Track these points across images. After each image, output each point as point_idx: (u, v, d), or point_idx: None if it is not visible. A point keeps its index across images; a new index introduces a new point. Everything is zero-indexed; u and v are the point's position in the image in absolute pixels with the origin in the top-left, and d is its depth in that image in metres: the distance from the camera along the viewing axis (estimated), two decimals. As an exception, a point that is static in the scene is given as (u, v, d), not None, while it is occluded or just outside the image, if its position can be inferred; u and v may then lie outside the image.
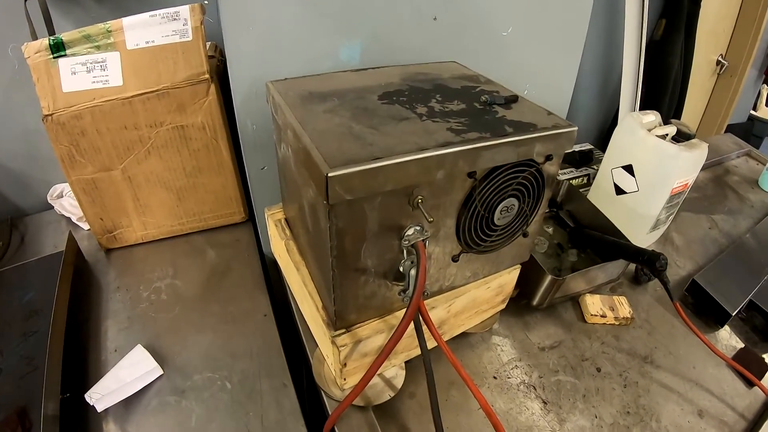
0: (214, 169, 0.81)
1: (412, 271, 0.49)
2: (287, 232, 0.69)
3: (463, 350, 0.72)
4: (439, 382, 0.64)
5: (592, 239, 0.84)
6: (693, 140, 0.83)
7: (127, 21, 0.67)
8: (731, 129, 1.68)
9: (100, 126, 0.71)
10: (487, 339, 0.75)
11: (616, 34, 1.25)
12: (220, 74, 0.78)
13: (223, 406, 0.62)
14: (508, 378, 0.69)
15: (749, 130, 2.03)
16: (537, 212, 0.58)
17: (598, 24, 1.21)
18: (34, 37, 0.72)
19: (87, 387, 0.61)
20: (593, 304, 0.79)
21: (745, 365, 0.71)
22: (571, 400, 0.66)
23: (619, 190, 0.90)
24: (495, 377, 0.69)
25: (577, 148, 1.18)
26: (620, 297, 0.81)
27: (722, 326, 0.79)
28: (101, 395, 0.60)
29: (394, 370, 0.64)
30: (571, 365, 0.71)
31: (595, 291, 0.82)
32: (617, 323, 0.78)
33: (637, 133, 0.84)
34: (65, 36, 0.66)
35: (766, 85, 1.98)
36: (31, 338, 0.63)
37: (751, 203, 1.15)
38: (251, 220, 0.92)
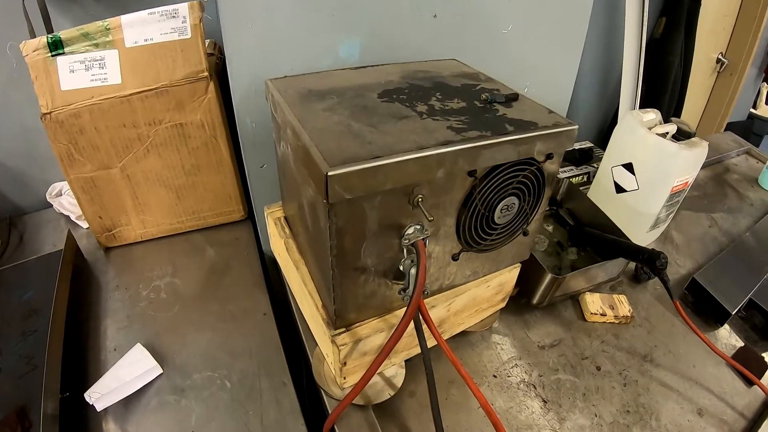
0: (213, 167, 0.81)
1: (412, 270, 0.49)
2: (287, 230, 0.69)
3: (463, 349, 0.72)
4: (439, 381, 0.64)
5: (592, 238, 0.84)
6: (693, 138, 0.83)
7: (125, 19, 0.66)
8: (731, 127, 1.68)
9: (99, 124, 0.70)
10: (487, 338, 0.74)
11: (616, 32, 1.25)
12: (219, 72, 0.78)
13: (222, 405, 0.62)
14: (508, 377, 0.69)
15: (749, 129, 2.03)
16: (537, 211, 0.58)
17: (599, 22, 1.21)
18: (33, 35, 0.72)
19: (86, 386, 0.61)
20: (593, 302, 0.79)
21: (745, 364, 0.71)
22: (571, 398, 0.66)
23: (620, 189, 0.89)
24: (495, 376, 0.69)
25: (577, 146, 1.18)
26: (620, 295, 0.81)
27: (722, 325, 0.79)
28: (101, 394, 0.60)
29: (394, 369, 0.64)
30: (570, 364, 0.71)
31: (595, 289, 0.82)
32: (617, 322, 0.78)
33: (638, 131, 0.84)
34: (63, 34, 0.66)
35: (766, 84, 1.98)
36: (30, 337, 0.63)
37: (751, 201, 1.15)
38: (251, 218, 0.92)
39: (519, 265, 0.67)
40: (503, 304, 0.72)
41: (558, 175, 0.63)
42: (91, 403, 0.59)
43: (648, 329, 0.78)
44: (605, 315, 0.78)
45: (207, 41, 0.81)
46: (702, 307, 0.81)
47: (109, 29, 0.66)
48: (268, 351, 0.69)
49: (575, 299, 0.82)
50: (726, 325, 0.80)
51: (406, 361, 0.65)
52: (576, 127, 0.52)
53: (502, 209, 0.53)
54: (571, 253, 0.86)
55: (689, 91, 1.44)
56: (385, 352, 0.48)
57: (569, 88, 1.01)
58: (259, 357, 0.68)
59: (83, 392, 0.60)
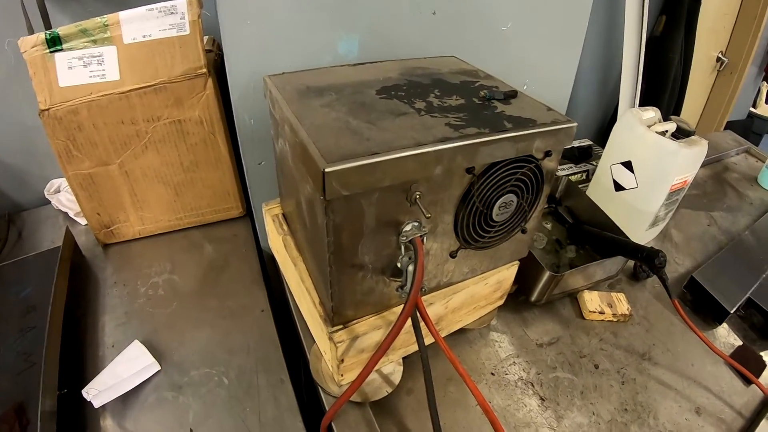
0: (211, 163, 0.81)
1: (410, 268, 0.49)
2: (284, 227, 0.69)
3: (461, 346, 0.72)
4: (436, 378, 0.64)
5: (591, 235, 0.84)
6: (693, 137, 0.83)
7: (123, 15, 0.66)
8: (730, 126, 1.68)
9: (97, 121, 0.70)
10: (485, 335, 0.74)
11: (616, 30, 1.25)
12: (217, 68, 0.77)
13: (220, 401, 0.62)
14: (506, 374, 0.69)
15: (749, 127, 2.02)
16: (536, 208, 0.58)
17: (598, 19, 1.21)
18: (31, 32, 0.72)
19: (84, 383, 0.61)
20: (591, 300, 0.79)
21: (743, 363, 0.71)
22: (569, 396, 0.66)
23: (618, 187, 0.89)
24: (493, 373, 0.69)
25: (576, 143, 1.18)
26: (618, 294, 0.81)
27: (721, 324, 0.79)
28: (98, 391, 0.60)
29: (392, 366, 0.64)
30: (569, 362, 0.71)
31: (593, 287, 0.82)
32: (615, 320, 0.78)
33: (637, 129, 0.84)
34: (62, 30, 0.65)
35: (765, 83, 1.98)
36: (28, 334, 0.63)
37: (750, 200, 1.15)
38: (249, 215, 0.92)
39: (517, 262, 0.67)
40: (501, 302, 0.72)
41: (557, 173, 0.63)
42: (88, 400, 0.59)
43: (646, 327, 0.78)
44: (603, 313, 0.78)
45: (206, 38, 0.81)
46: (701, 305, 0.81)
47: (107, 25, 0.66)
48: (266, 348, 0.69)
49: (573, 297, 0.82)
50: (724, 324, 0.80)
51: (403, 358, 0.65)
52: (575, 124, 0.52)
53: (500, 206, 0.53)
54: (570, 251, 0.86)
55: (689, 90, 1.44)
56: (382, 350, 0.48)
57: (568, 85, 1.01)
58: (257, 354, 0.68)
59: (81, 389, 0.60)
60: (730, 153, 1.34)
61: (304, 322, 0.69)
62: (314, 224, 0.49)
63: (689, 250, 0.97)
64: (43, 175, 0.94)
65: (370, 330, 0.55)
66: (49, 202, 0.93)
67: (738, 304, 0.78)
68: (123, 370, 0.63)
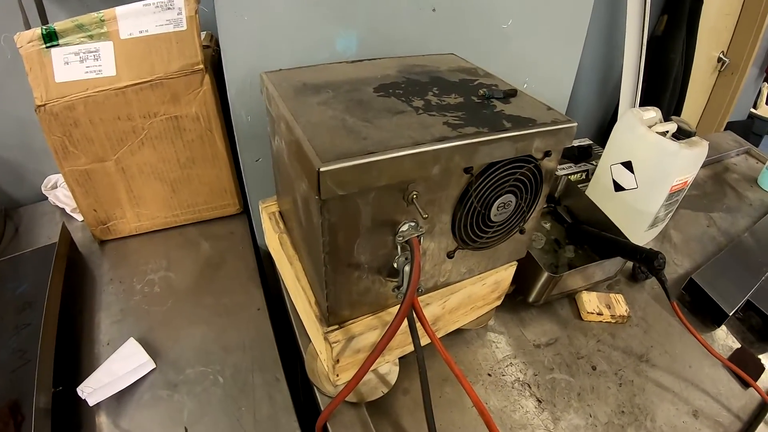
0: (208, 160, 0.81)
1: (406, 268, 0.48)
2: (281, 225, 0.69)
3: (457, 347, 0.72)
4: (433, 379, 0.64)
5: (590, 236, 0.83)
6: (693, 138, 0.82)
7: (120, 10, 0.66)
8: (731, 126, 1.68)
9: (93, 116, 0.70)
10: (482, 335, 0.74)
11: (617, 29, 1.24)
12: (215, 64, 0.77)
13: (215, 400, 0.61)
14: (503, 375, 0.68)
15: (749, 128, 2.02)
16: (534, 209, 0.57)
17: (600, 18, 1.20)
18: (28, 27, 0.71)
19: (80, 380, 0.61)
20: (590, 301, 0.79)
21: (742, 366, 0.71)
22: (566, 398, 0.66)
23: (618, 187, 0.89)
24: (489, 374, 0.68)
25: (576, 143, 1.18)
26: (617, 295, 0.81)
27: (719, 326, 0.79)
28: (93, 389, 0.60)
29: (388, 366, 0.64)
30: (566, 363, 0.71)
31: (591, 288, 0.81)
32: (613, 321, 0.78)
33: (637, 129, 0.83)
34: (58, 25, 0.65)
35: (766, 83, 1.97)
36: (23, 331, 0.62)
37: (750, 202, 1.14)
38: (246, 212, 0.91)
39: (515, 263, 0.67)
40: (499, 302, 0.72)
41: (556, 173, 0.63)
42: (83, 398, 0.59)
43: (644, 329, 0.78)
44: (602, 314, 0.77)
45: (203, 33, 0.81)
46: (699, 307, 0.81)
47: (103, 21, 0.66)
48: (262, 346, 0.68)
49: (572, 298, 0.81)
50: (723, 326, 0.79)
51: (400, 358, 0.65)
52: (575, 124, 0.52)
53: (498, 207, 0.53)
54: (569, 251, 0.86)
55: (689, 90, 1.43)
56: (377, 351, 0.47)
57: (569, 84, 1.00)
58: (252, 352, 0.67)
59: (76, 386, 0.59)
60: (730, 154, 1.33)
61: (300, 320, 0.69)
62: (310, 223, 0.49)
63: (688, 251, 0.96)
64: (40, 170, 0.94)
65: (366, 330, 0.55)
66: (47, 198, 0.93)
67: (737, 307, 0.78)
68: (118, 368, 0.62)
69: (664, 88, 1.33)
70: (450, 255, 0.56)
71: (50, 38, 0.65)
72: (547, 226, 0.91)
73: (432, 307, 0.60)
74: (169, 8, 0.66)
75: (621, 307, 0.78)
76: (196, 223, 0.89)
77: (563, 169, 1.09)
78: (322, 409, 0.58)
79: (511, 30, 0.83)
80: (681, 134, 0.84)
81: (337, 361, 0.56)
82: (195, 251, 0.84)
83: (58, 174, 0.93)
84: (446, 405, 0.64)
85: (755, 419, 0.66)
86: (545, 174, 0.54)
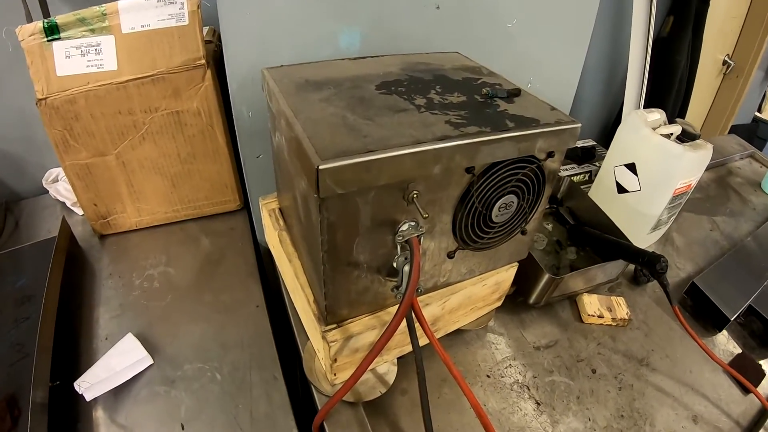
0: (209, 155, 0.80)
1: (406, 268, 0.48)
2: (281, 222, 0.68)
3: (457, 347, 0.71)
4: (431, 379, 0.64)
5: (592, 238, 0.83)
6: (698, 141, 0.82)
7: (122, 4, 0.65)
8: (735, 130, 1.66)
9: (95, 111, 0.70)
10: (482, 336, 0.74)
11: (623, 30, 1.23)
12: (217, 59, 0.76)
13: (212, 397, 0.61)
14: (502, 377, 0.68)
15: (753, 132, 2.01)
16: (536, 210, 0.57)
17: (605, 18, 1.19)
18: (30, 20, 0.71)
19: (77, 375, 0.60)
20: (591, 303, 0.78)
21: (742, 371, 0.70)
22: (565, 401, 0.66)
23: (621, 189, 0.88)
24: (488, 376, 0.68)
25: (579, 144, 1.17)
26: (618, 297, 0.80)
27: (720, 331, 0.78)
28: (90, 384, 0.59)
29: (386, 366, 0.64)
30: (566, 366, 0.70)
31: (593, 290, 0.81)
32: (614, 324, 0.77)
33: (642, 131, 0.83)
34: (60, 19, 0.65)
35: (772, 87, 1.96)
36: (22, 325, 0.62)
37: (753, 206, 1.13)
38: (246, 208, 0.91)
39: (516, 264, 0.66)
40: (499, 303, 0.72)
41: (559, 174, 0.62)
42: (80, 393, 0.59)
43: (645, 332, 0.77)
44: (602, 317, 0.77)
45: (206, 28, 0.80)
46: (701, 311, 0.80)
47: (105, 15, 0.65)
48: (260, 344, 0.68)
49: (573, 300, 0.81)
50: (724, 331, 0.79)
51: (398, 358, 0.65)
52: (579, 125, 0.51)
53: (500, 207, 0.52)
54: (570, 252, 0.85)
55: (694, 92, 1.42)
56: (375, 351, 0.47)
57: (573, 84, 0.99)
58: (251, 350, 0.67)
59: (74, 381, 0.59)
60: (734, 157, 1.32)
61: (299, 318, 0.68)
62: (309, 221, 0.48)
63: (691, 254, 0.96)
64: (41, 163, 0.93)
65: (365, 330, 0.54)
66: (48, 191, 0.93)
67: (738, 312, 0.77)
68: (116, 363, 0.62)
69: (669, 89, 1.32)
70: (450, 255, 0.55)
71: (52, 32, 0.65)
72: (549, 227, 0.90)
73: (431, 307, 0.60)
74: (171, 3, 0.66)
75: (622, 310, 0.78)
76: (197, 219, 0.89)
77: (566, 170, 1.09)
78: (320, 408, 0.57)
79: (516, 29, 0.82)
80: (685, 137, 0.84)
81: (335, 360, 0.55)
82: (195, 247, 0.84)
83: (59, 167, 0.93)
84: (444, 406, 0.63)
85: (755, 425, 0.66)
86: (548, 175, 0.54)
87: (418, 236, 0.47)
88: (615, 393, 0.67)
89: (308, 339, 0.66)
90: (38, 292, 0.65)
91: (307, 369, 0.63)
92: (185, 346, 0.67)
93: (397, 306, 0.47)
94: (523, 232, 0.59)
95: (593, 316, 0.77)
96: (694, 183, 0.84)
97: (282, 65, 0.59)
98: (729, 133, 1.64)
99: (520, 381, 0.68)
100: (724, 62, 1.63)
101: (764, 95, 1.98)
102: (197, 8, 0.67)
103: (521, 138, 0.48)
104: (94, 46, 0.66)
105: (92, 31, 0.66)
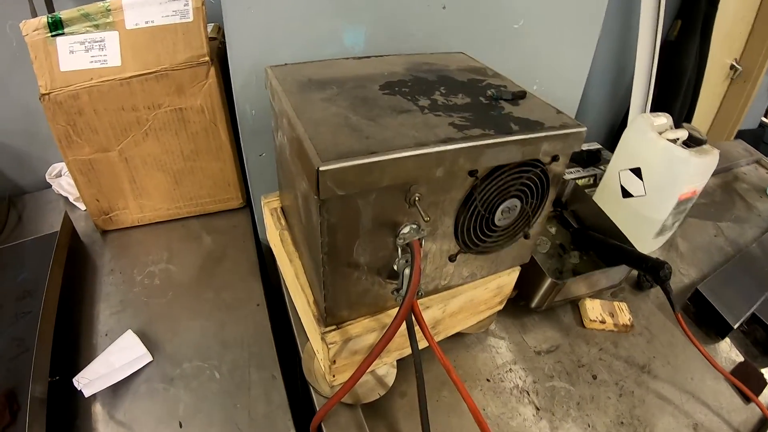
0: (212, 153, 0.80)
1: (407, 271, 0.48)
2: (282, 221, 0.68)
3: (457, 350, 0.71)
4: (431, 382, 0.64)
5: (596, 242, 0.82)
6: (704, 146, 0.81)
7: (126, 0, 0.65)
8: (741, 135, 1.65)
9: (98, 106, 0.69)
10: (482, 340, 0.73)
11: (631, 33, 1.22)
12: (221, 56, 0.76)
13: (211, 395, 0.61)
14: (502, 381, 0.67)
15: (760, 137, 1.99)
16: (540, 213, 0.56)
17: (613, 21, 1.18)
18: (34, 15, 0.71)
19: (77, 370, 0.61)
20: (593, 309, 0.77)
21: (744, 380, 0.69)
22: (565, 407, 0.65)
23: (626, 193, 0.88)
24: (488, 380, 0.67)
25: (585, 147, 1.16)
26: (621, 303, 0.79)
27: (723, 338, 0.78)
28: (89, 380, 0.59)
29: (386, 368, 0.63)
30: (566, 371, 0.70)
31: (595, 295, 0.80)
32: (616, 330, 0.77)
33: (648, 135, 0.82)
34: (64, 14, 0.65)
35: (780, 92, 1.94)
36: (22, 319, 0.63)
37: (759, 212, 1.12)
38: (249, 206, 0.91)
39: (519, 267, 0.66)
40: (501, 307, 0.71)
41: (564, 177, 0.61)
42: (79, 389, 0.59)
43: (648, 338, 0.77)
44: (605, 322, 0.76)
45: (211, 25, 0.80)
46: (704, 318, 0.79)
47: (109, 10, 0.65)
48: (260, 343, 0.68)
49: (575, 304, 0.80)
50: (727, 339, 0.78)
51: (398, 360, 0.64)
52: (584, 129, 0.51)
53: (503, 211, 0.52)
54: (574, 256, 0.84)
55: (701, 97, 1.41)
56: (374, 354, 0.47)
57: (580, 87, 0.98)
58: (250, 349, 0.67)
59: (73, 376, 0.59)
60: (740, 163, 1.31)
61: (299, 318, 0.68)
62: (309, 222, 0.48)
63: (695, 260, 0.95)
64: (45, 158, 0.94)
65: (364, 332, 0.54)
66: (51, 186, 0.93)
67: (742, 319, 0.76)
68: (115, 360, 0.62)
69: (676, 93, 1.31)
70: (452, 258, 0.55)
71: (56, 27, 0.65)
72: (553, 230, 0.90)
73: (432, 310, 0.59)
74: (175, -1, 0.66)
75: (624, 316, 0.77)
76: (199, 216, 0.89)
77: (571, 173, 1.08)
78: (318, 409, 0.57)
79: (522, 30, 0.81)
80: (692, 142, 0.83)
81: (334, 361, 0.55)
82: (197, 244, 0.84)
83: (62, 162, 0.93)
84: (444, 409, 0.63)
85: (757, 435, 0.65)
86: (552, 179, 0.53)
87: (419, 239, 0.47)
88: (615, 399, 0.67)
89: (308, 339, 0.65)
90: (39, 286, 0.65)
91: (306, 370, 0.62)
92: (185, 344, 0.67)
93: (397, 308, 0.47)
94: (526, 236, 0.58)
95: (595, 321, 0.76)
96: (699, 189, 0.84)
97: (286, 63, 0.59)
98: (735, 138, 1.63)
99: (520, 386, 0.67)
100: (732, 67, 1.61)
101: (772, 100, 1.97)
102: (201, 5, 0.67)
103: (525, 142, 0.47)
104: (97, 41, 0.66)
105: (96, 26, 0.66)
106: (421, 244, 0.47)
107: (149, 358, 0.64)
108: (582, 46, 0.92)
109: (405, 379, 0.64)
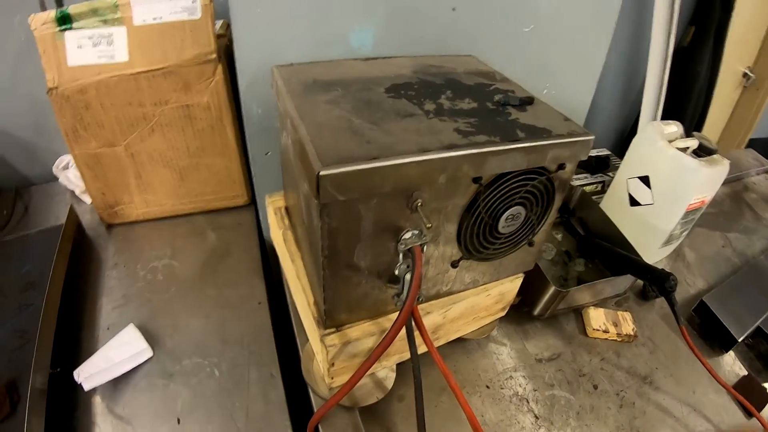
0: (218, 150, 0.80)
1: (407, 276, 0.47)
2: (286, 221, 0.68)
3: (457, 356, 0.71)
4: (430, 387, 0.63)
5: (602, 250, 0.81)
6: (715, 156, 0.80)
7: (135, -5, 0.65)
8: (753, 144, 1.63)
9: (105, 101, 0.70)
10: (483, 346, 0.73)
11: (643, 38, 1.20)
12: (228, 54, 0.76)
13: (210, 393, 0.61)
14: (501, 388, 0.67)
15: (772, 147, 1.96)
16: (545, 221, 0.56)
17: (625, 26, 1.17)
18: (43, 9, 0.71)
19: (78, 363, 0.61)
20: (596, 318, 0.77)
21: (747, 394, 0.68)
22: (564, 416, 0.64)
23: (634, 202, 0.87)
24: (488, 386, 0.67)
25: (593, 153, 1.15)
26: (625, 312, 0.79)
27: (727, 351, 0.77)
28: (89, 374, 0.60)
29: (385, 372, 0.63)
30: (567, 380, 0.69)
31: (599, 304, 0.79)
32: (619, 340, 0.76)
33: (657, 143, 0.81)
34: (72, 9, 0.65)
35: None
36: (26, 311, 0.63)
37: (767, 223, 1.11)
38: (254, 204, 0.91)
39: (522, 274, 0.65)
40: (503, 313, 0.71)
41: (571, 183, 0.61)
42: (79, 383, 0.59)
43: (650, 349, 0.76)
44: (608, 332, 0.75)
45: (219, 22, 0.80)
46: (709, 330, 0.78)
47: (117, 6, 0.65)
48: (260, 341, 0.68)
49: (578, 312, 0.80)
50: (731, 352, 0.77)
51: (398, 364, 0.64)
52: (592, 137, 0.50)
53: (507, 218, 0.51)
54: (579, 264, 0.84)
55: (713, 104, 1.39)
56: (373, 358, 0.47)
57: (590, 93, 0.97)
58: (250, 347, 0.67)
59: (74, 369, 0.60)
60: (750, 172, 1.29)
61: (300, 318, 0.68)
62: (310, 225, 0.48)
63: (702, 270, 0.94)
64: (52, 150, 0.94)
65: (364, 336, 0.54)
66: (58, 178, 0.93)
67: (747, 333, 0.75)
68: (116, 354, 0.63)
69: (687, 101, 1.29)
70: (454, 264, 0.54)
71: (64, 21, 0.65)
72: (559, 237, 0.89)
73: (433, 315, 0.59)
74: (184, -4, 0.66)
75: (628, 326, 0.76)
76: (205, 213, 0.89)
77: (579, 179, 1.07)
78: (316, 410, 0.57)
79: (532, 34, 0.80)
80: (702, 151, 0.81)
81: (332, 364, 0.55)
82: (201, 240, 0.84)
83: (69, 154, 0.94)
84: (442, 415, 0.63)
85: (759, 451, 0.64)
86: (558, 187, 0.52)
87: (421, 245, 0.46)
88: (615, 410, 0.66)
89: (308, 340, 0.65)
90: (43, 279, 0.66)
91: (305, 370, 0.62)
92: (185, 340, 0.67)
93: (397, 313, 0.46)
94: (531, 244, 0.58)
95: (598, 330, 0.75)
96: (708, 199, 0.82)
97: (292, 63, 0.58)
98: (746, 147, 1.60)
99: (519, 393, 0.67)
100: (744, 74, 1.59)
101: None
102: (210, 2, 0.67)
103: (531, 149, 0.47)
104: (105, 37, 0.66)
105: (104, 22, 0.66)
106: (422, 250, 0.46)
107: (150, 353, 0.65)
108: (593, 52, 0.91)
109: (404, 383, 0.64)
